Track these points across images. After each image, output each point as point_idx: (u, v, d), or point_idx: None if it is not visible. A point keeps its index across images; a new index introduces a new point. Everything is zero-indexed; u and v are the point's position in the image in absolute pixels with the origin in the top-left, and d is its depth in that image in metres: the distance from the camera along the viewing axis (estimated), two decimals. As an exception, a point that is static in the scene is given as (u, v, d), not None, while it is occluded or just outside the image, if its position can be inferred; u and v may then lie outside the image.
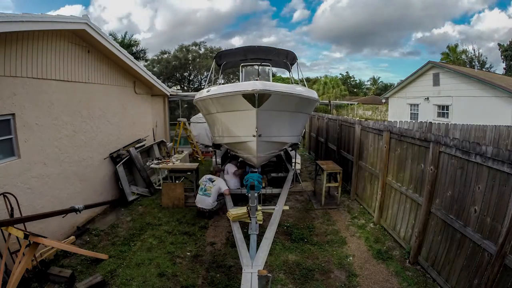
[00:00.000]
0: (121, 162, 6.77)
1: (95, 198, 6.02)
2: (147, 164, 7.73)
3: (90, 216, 5.86)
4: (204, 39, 57.14)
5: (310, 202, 6.71)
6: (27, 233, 3.44)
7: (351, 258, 4.45)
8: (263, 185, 6.54)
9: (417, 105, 16.07)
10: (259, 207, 5.05)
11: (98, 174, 6.33)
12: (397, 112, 17.68)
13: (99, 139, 6.43)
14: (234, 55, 7.83)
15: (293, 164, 7.58)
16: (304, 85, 7.16)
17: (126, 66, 7.46)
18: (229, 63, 8.40)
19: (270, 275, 3.02)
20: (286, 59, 7.77)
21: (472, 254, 3.17)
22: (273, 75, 9.41)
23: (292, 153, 7.72)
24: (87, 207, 4.74)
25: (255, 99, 4.23)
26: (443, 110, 14.19)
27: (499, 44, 31.13)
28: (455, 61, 28.71)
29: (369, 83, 52.13)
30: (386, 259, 4.36)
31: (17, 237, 3.57)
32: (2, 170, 3.94)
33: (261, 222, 4.99)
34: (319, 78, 42.17)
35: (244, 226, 4.79)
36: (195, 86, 28.40)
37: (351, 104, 29.97)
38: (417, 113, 15.99)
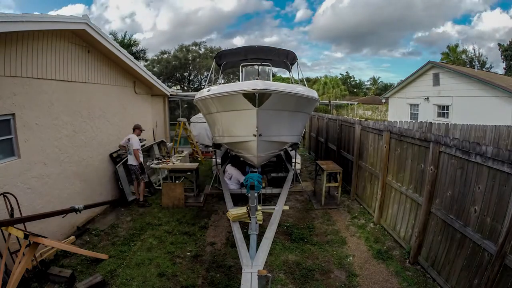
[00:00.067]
0: (121, 162, 6.78)
1: (95, 198, 6.02)
2: (147, 164, 7.73)
3: (90, 216, 5.86)
4: (205, 39, 57.34)
5: (310, 202, 6.71)
6: (27, 233, 3.44)
7: (351, 258, 4.45)
8: (263, 185, 6.54)
9: (417, 105, 16.06)
10: (259, 207, 5.03)
11: (98, 174, 6.34)
12: (397, 112, 17.66)
13: (99, 139, 6.43)
14: (234, 55, 7.81)
15: (293, 164, 7.58)
16: (304, 85, 7.16)
17: (126, 66, 7.47)
18: (229, 63, 8.38)
19: (270, 275, 3.02)
20: (286, 59, 7.76)
21: (472, 254, 3.17)
22: (273, 75, 9.41)
23: (292, 153, 7.71)
24: (87, 207, 4.73)
25: (256, 98, 4.22)
26: (443, 110, 14.17)
27: (499, 44, 31.10)
28: (455, 61, 28.67)
29: (369, 83, 52.19)
30: (386, 259, 4.36)
31: (17, 237, 3.57)
32: (2, 170, 3.94)
33: (261, 222, 4.97)
34: (319, 78, 42.21)
35: (244, 226, 4.79)
36: (195, 86, 28.38)
37: (351, 104, 29.97)
38: (417, 113, 15.98)
